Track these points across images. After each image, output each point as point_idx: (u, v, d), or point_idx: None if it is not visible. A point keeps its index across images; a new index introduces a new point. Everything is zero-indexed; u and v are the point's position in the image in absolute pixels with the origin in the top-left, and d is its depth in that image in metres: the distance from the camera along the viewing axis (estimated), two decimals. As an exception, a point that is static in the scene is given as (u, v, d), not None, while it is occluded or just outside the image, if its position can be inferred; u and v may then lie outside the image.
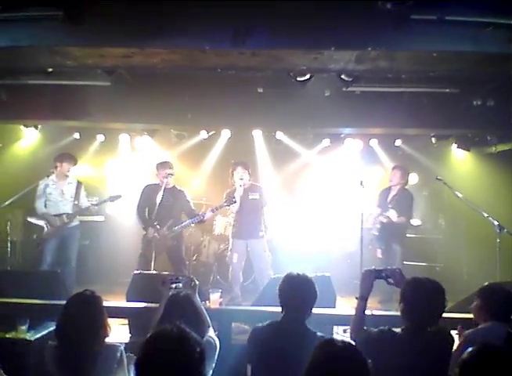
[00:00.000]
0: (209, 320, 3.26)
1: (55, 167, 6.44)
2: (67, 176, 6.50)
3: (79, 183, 6.59)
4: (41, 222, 6.37)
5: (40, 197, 6.37)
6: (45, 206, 6.38)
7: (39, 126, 7.59)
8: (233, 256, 6.45)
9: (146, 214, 6.33)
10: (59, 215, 6.34)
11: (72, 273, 6.38)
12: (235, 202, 6.33)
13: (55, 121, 7.16)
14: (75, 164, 6.59)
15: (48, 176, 6.42)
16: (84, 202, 6.59)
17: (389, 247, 6.66)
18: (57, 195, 6.42)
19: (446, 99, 6.49)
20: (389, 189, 6.91)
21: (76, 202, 6.46)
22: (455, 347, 2.86)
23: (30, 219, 6.89)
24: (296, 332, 2.90)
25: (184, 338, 1.97)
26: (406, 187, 6.85)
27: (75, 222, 6.53)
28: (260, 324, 3.04)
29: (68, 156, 6.56)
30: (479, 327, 3.04)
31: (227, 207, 6.51)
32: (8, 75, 6.10)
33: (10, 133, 7.97)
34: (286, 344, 2.83)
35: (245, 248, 6.44)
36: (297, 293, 3.00)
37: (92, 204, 6.56)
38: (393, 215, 6.49)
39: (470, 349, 2.02)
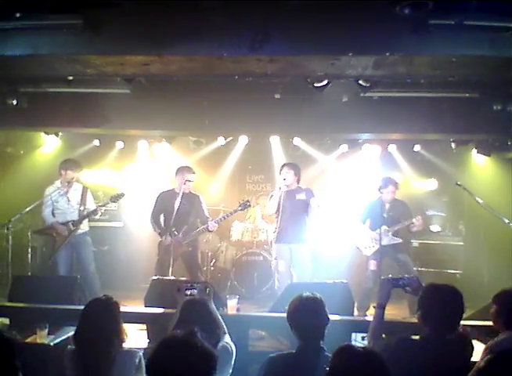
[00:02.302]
0: (225, 326, 3.26)
1: (60, 174, 6.39)
2: (72, 183, 6.43)
3: (85, 189, 6.52)
4: (47, 234, 6.37)
5: (47, 205, 6.32)
6: (53, 215, 6.34)
7: (60, 133, 7.69)
8: (279, 264, 6.04)
9: (162, 220, 6.33)
10: (66, 223, 6.28)
11: (94, 280, 6.32)
12: (249, 206, 6.23)
13: (76, 128, 7.24)
14: (80, 170, 6.52)
15: (54, 184, 6.40)
16: (92, 207, 6.47)
17: (395, 258, 6.32)
18: (63, 203, 6.35)
19: (466, 104, 6.43)
20: (379, 200, 6.27)
21: (82, 208, 6.36)
22: (477, 358, 2.80)
23: (34, 235, 6.95)
24: (316, 363, 2.73)
25: (190, 345, 1.96)
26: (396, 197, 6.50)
27: (83, 229, 6.44)
28: (275, 354, 2.89)
29: (72, 163, 6.48)
30: (502, 337, 2.97)
31: (240, 211, 6.36)
32: (29, 83, 6.20)
33: (31, 140, 8.12)
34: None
35: (289, 253, 6.07)
36: (314, 320, 2.85)
37: (98, 206, 6.42)
38: (419, 221, 6.26)
39: (487, 357, 1.98)
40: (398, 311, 6.13)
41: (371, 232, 6.36)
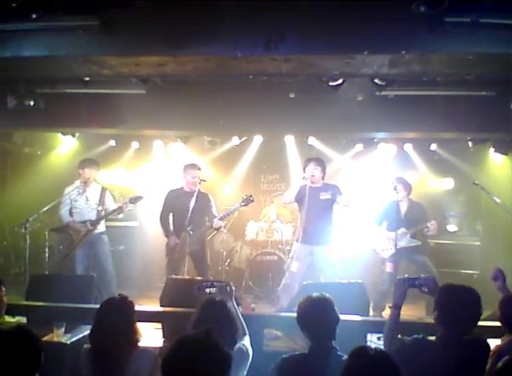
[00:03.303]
0: (246, 328, 3.24)
1: (79, 174, 6.48)
2: (91, 183, 6.51)
3: (104, 189, 6.60)
4: (64, 233, 6.46)
5: (65, 204, 6.40)
6: (71, 214, 6.42)
7: (76, 134, 7.75)
8: (292, 264, 5.82)
9: (171, 220, 6.31)
10: (84, 223, 6.35)
11: (111, 279, 6.39)
12: (252, 201, 6.15)
13: (92, 129, 7.29)
14: (98, 169, 6.60)
15: (74, 183, 6.48)
16: (111, 207, 6.54)
17: (412, 260, 6.31)
18: (82, 202, 6.44)
19: (482, 103, 6.34)
20: (395, 201, 6.24)
21: (100, 208, 6.44)
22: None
23: (51, 233, 7.02)
24: (328, 363, 2.73)
25: (204, 344, 1.96)
26: (410, 197, 6.47)
27: (101, 229, 6.51)
28: (287, 355, 2.89)
29: (90, 162, 6.57)
30: (507, 339, 2.93)
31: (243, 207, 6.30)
32: (45, 84, 6.25)
33: (48, 141, 8.21)
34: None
35: (309, 256, 5.87)
36: (323, 320, 2.85)
37: (118, 207, 6.48)
38: (434, 225, 6.20)
39: (505, 358, 1.97)
40: (414, 311, 6.10)
41: (388, 233, 6.29)
